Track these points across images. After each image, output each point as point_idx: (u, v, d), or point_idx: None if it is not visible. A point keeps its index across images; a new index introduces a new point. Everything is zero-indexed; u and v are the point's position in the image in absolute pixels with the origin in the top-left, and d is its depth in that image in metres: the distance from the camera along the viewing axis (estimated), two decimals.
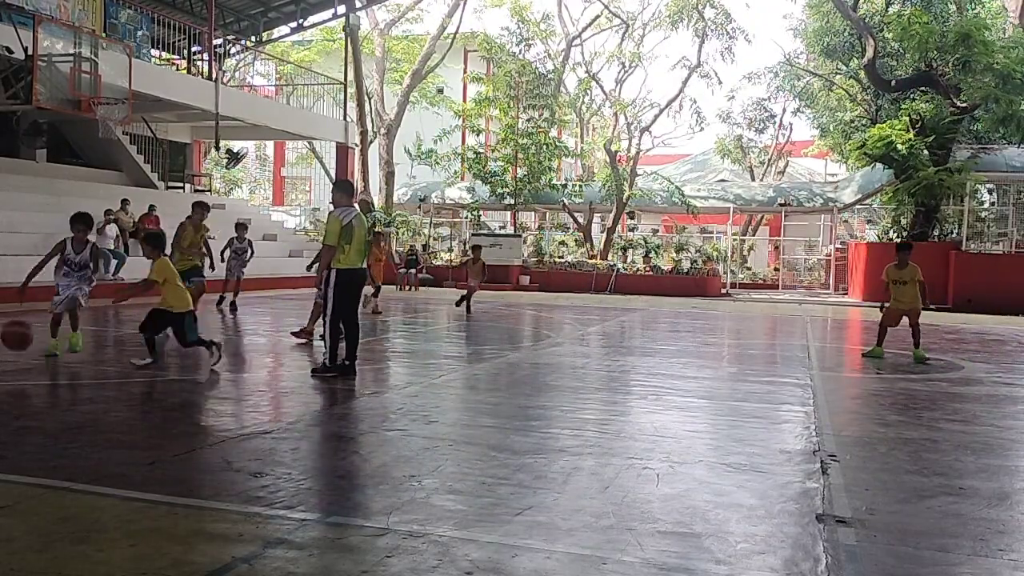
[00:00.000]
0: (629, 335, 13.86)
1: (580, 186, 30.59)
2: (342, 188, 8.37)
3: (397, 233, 30.12)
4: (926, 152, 23.33)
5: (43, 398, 6.75)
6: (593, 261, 28.31)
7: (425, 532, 3.82)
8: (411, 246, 27.83)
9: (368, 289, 12.98)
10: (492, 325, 14.89)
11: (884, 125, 23.91)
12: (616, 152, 30.83)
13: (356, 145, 28.02)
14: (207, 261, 12.77)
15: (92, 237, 9.58)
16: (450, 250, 30.97)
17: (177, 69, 23.11)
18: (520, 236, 29.40)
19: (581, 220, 30.96)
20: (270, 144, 45.02)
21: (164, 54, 22.48)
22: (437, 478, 4.72)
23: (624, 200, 29.59)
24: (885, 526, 4.14)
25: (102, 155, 22.01)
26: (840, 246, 30.10)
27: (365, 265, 8.36)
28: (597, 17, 34.34)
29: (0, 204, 16.68)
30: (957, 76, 23.06)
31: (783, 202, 30.63)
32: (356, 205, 8.26)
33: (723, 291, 27.29)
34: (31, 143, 19.71)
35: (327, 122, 26.56)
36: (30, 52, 14.88)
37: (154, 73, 19.20)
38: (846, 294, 26.64)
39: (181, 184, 25.19)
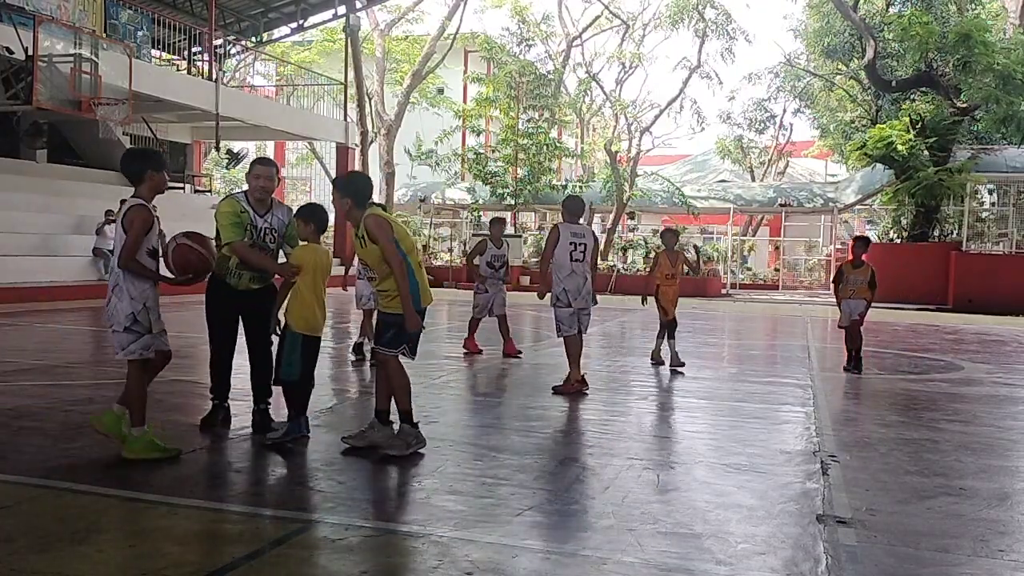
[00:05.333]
0: (629, 335, 13.85)
1: (580, 187, 30.57)
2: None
3: None
4: (926, 152, 23.32)
5: (43, 398, 6.74)
6: None
7: (425, 532, 3.81)
8: None
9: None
10: (492, 326, 14.87)
11: (884, 126, 23.90)
12: (616, 152, 30.81)
13: (356, 145, 28.00)
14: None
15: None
16: (450, 250, 30.99)
17: (177, 70, 23.11)
18: (520, 236, 29.40)
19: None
20: (270, 144, 44.98)
21: (164, 54, 22.46)
22: (437, 478, 4.72)
23: (624, 200, 29.58)
24: (885, 527, 4.14)
25: (102, 155, 21.98)
26: (840, 247, 30.09)
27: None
28: (597, 18, 34.32)
29: (0, 204, 16.68)
30: (957, 77, 23.05)
31: (783, 202, 30.62)
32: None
33: (723, 292, 27.28)
34: (31, 143, 19.69)
35: (327, 123, 26.56)
36: (30, 52, 14.88)
37: (154, 73, 19.19)
38: None
39: (181, 184, 25.17)
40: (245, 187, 5.65)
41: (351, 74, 27.21)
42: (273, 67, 35.25)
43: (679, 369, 9.08)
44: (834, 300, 9.90)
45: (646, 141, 34.77)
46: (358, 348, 9.33)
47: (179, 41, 22.53)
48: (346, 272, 9.82)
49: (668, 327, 9.45)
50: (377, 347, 5.30)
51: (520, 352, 10.19)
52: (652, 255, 10.34)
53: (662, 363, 9.47)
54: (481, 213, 31.93)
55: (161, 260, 5.03)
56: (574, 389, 7.50)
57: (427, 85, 35.13)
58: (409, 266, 5.09)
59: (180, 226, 19.25)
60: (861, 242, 9.77)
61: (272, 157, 43.32)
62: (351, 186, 5.29)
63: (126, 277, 4.80)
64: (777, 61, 39.16)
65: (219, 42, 23.83)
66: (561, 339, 7.77)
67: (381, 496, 4.45)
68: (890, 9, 27.06)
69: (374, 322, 9.36)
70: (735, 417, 6.87)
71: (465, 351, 10.26)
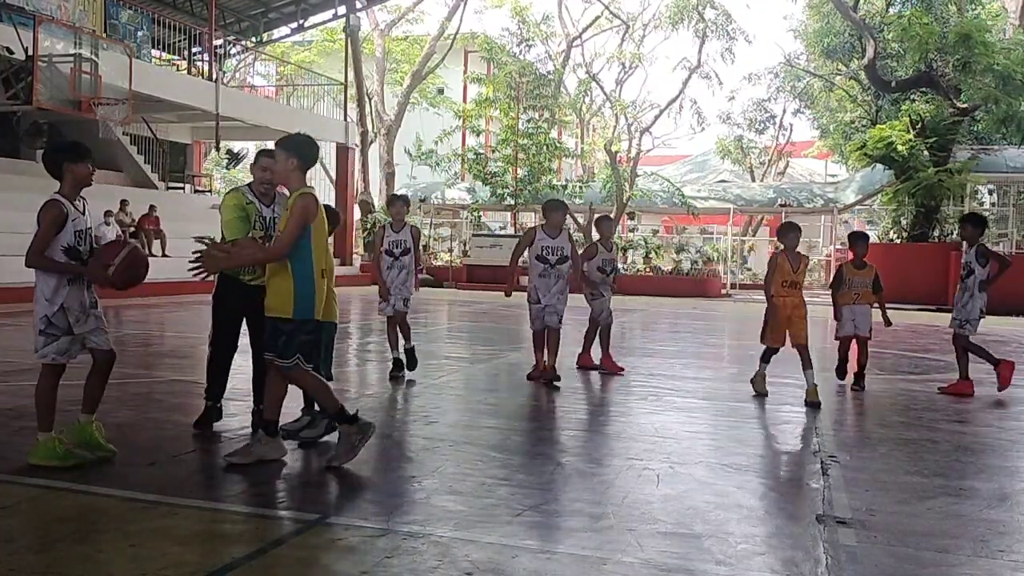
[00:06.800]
0: (629, 336, 13.85)
1: (580, 187, 30.60)
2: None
3: None
4: (926, 153, 23.33)
5: None
6: None
7: (425, 533, 3.82)
8: None
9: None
10: (492, 325, 14.90)
11: (884, 126, 23.91)
12: (616, 153, 30.83)
13: (356, 146, 28.02)
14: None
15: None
16: (450, 250, 31.01)
17: (177, 70, 23.13)
18: (521, 237, 29.40)
19: (581, 221, 30.99)
20: (270, 145, 45.02)
21: (164, 54, 22.50)
22: (437, 479, 4.72)
23: (624, 201, 29.59)
24: (885, 527, 4.14)
25: (102, 155, 21.99)
26: (840, 247, 30.10)
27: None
28: (597, 18, 34.36)
29: (0, 204, 16.68)
30: (957, 77, 23.07)
31: (783, 203, 30.63)
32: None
33: (723, 292, 27.29)
34: (31, 143, 19.73)
35: (327, 123, 26.57)
36: (31, 52, 14.91)
37: (154, 74, 19.21)
38: None
39: (181, 185, 25.21)
40: (250, 180, 5.57)
41: (351, 74, 27.24)
42: (273, 67, 35.27)
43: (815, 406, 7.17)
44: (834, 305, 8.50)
45: (646, 141, 34.83)
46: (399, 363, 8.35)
47: (179, 41, 22.56)
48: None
49: (801, 354, 7.48)
50: (270, 356, 4.76)
51: (622, 368, 8.89)
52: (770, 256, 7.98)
53: (765, 394, 7.59)
54: (481, 213, 31.93)
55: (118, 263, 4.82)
56: (537, 377, 8.03)
57: (427, 85, 35.16)
58: (306, 270, 4.62)
59: (181, 226, 19.24)
60: (862, 239, 8.64)
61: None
62: (301, 147, 4.84)
63: (38, 278, 4.61)
64: (777, 61, 39.17)
65: (219, 42, 23.85)
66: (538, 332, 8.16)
67: (381, 496, 4.45)
68: (890, 9, 27.07)
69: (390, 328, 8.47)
70: (735, 417, 6.87)
71: (579, 367, 9.05)
